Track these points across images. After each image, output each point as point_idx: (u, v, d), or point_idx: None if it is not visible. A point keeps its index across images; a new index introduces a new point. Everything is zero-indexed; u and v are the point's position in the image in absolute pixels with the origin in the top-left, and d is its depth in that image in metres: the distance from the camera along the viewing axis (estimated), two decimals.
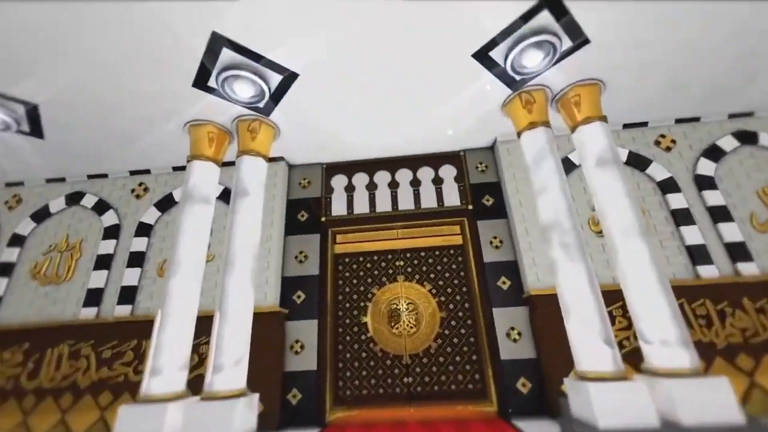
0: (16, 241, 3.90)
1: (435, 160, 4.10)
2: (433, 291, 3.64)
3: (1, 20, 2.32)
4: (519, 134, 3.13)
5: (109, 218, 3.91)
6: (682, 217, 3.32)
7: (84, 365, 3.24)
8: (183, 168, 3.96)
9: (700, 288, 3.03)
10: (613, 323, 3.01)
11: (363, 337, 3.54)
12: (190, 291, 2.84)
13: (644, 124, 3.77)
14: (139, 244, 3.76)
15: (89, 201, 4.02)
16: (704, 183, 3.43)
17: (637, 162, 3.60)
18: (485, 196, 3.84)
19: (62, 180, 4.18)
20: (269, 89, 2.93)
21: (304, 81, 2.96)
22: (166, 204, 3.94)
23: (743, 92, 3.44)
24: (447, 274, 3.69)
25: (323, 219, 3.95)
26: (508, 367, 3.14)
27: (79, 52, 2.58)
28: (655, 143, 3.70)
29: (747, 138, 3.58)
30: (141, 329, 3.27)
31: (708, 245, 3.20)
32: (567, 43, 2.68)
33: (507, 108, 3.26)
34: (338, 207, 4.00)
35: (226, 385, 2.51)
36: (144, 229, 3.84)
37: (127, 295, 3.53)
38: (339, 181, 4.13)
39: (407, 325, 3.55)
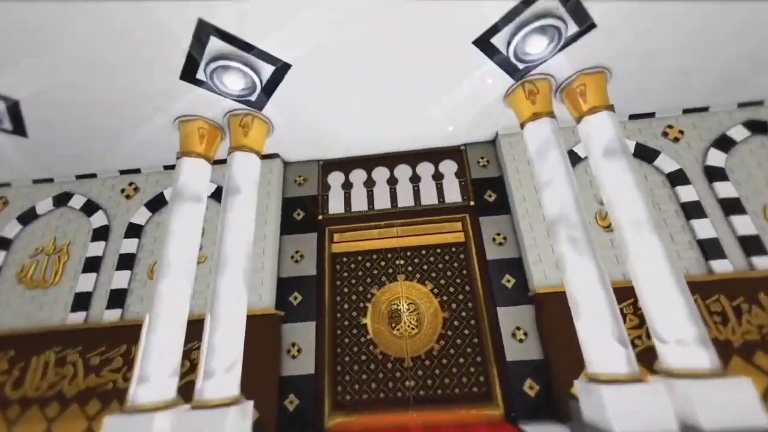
0: (2, 244, 3.76)
1: (435, 155, 3.97)
2: (435, 290, 3.51)
3: None
4: (522, 125, 3.00)
5: (98, 219, 3.78)
6: (692, 210, 3.19)
7: (71, 373, 3.10)
8: (174, 166, 3.82)
9: (713, 283, 2.90)
10: (623, 321, 2.87)
11: (362, 339, 3.41)
12: (181, 293, 2.70)
13: (651, 114, 3.64)
14: (129, 245, 3.63)
15: (77, 202, 3.88)
16: (715, 174, 3.31)
17: (645, 154, 3.47)
18: (487, 192, 3.71)
19: (50, 181, 4.04)
20: (260, 81, 2.80)
21: (297, 73, 2.83)
22: (156, 204, 3.80)
23: (753, 81, 3.32)
24: (449, 273, 3.56)
25: (320, 217, 3.81)
26: (514, 369, 3.01)
27: (59, 46, 2.45)
28: (662, 134, 3.57)
29: (757, 127, 3.46)
30: (131, 334, 3.13)
31: (721, 239, 3.07)
32: (573, 28, 2.55)
33: (509, 99, 3.13)
34: (335, 205, 3.87)
35: (217, 393, 2.38)
36: (134, 230, 3.70)
37: (117, 298, 3.40)
38: (336, 178, 4.00)
39: (408, 326, 3.41)
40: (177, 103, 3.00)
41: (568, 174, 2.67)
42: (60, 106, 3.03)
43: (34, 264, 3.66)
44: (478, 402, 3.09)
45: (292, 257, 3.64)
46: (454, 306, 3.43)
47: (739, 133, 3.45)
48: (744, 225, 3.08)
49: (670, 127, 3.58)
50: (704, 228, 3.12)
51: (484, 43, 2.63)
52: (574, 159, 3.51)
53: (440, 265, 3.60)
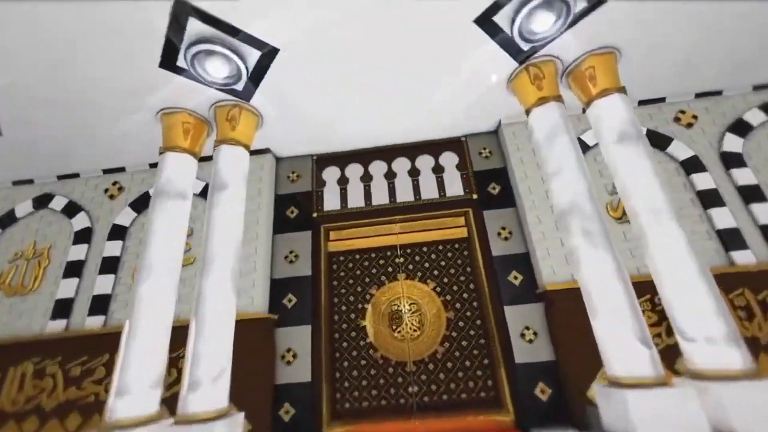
0: None
1: (434, 147, 3.78)
2: (438, 289, 3.31)
3: None
4: (528, 111, 2.81)
5: (81, 221, 3.58)
6: (710, 199, 3.01)
7: (50, 385, 2.89)
8: None
9: (736, 276, 2.71)
10: None
11: (362, 342, 3.21)
12: (164, 297, 2.50)
13: (662, 99, 3.46)
14: (113, 248, 3.42)
15: (59, 203, 3.68)
16: (732, 160, 3.12)
17: (657, 140, 3.28)
18: (491, 184, 3.52)
19: (30, 182, 3.84)
20: (246, 68, 2.60)
21: (287, 60, 2.64)
22: (141, 204, 3.60)
23: (767, 63, 3.14)
24: (452, 271, 3.36)
25: (315, 215, 3.62)
26: (523, 372, 2.81)
27: (30, 42, 2.27)
28: (674, 120, 3.38)
29: None
30: (114, 342, 2.87)
31: (741, 228, 2.88)
32: (581, 3, 2.36)
33: (513, 84, 2.94)
34: (331, 201, 3.68)
35: (203, 405, 2.17)
36: (118, 232, 3.50)
37: (100, 304, 3.19)
38: (331, 174, 3.80)
39: (410, 327, 3.22)
40: (158, 95, 2.80)
41: (579, 161, 2.48)
42: (34, 105, 2.84)
43: (13, 269, 3.46)
44: (486, 408, 2.89)
45: (286, 257, 3.44)
46: (458, 305, 3.24)
47: (755, 117, 3.27)
48: (765, 213, 2.89)
49: (683, 112, 3.40)
50: (723, 217, 2.93)
51: (486, 20, 2.44)
52: (582, 148, 3.32)
53: (443, 263, 3.40)
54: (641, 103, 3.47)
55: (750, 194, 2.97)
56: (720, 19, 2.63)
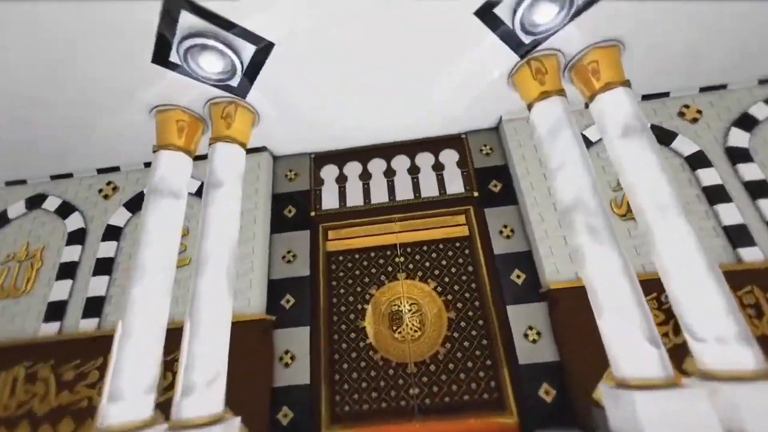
0: None
1: (434, 144, 3.72)
2: (439, 289, 3.25)
3: None
4: (529, 106, 2.74)
5: (74, 222, 3.51)
6: (716, 195, 2.94)
7: (42, 390, 2.82)
8: None
9: (744, 273, 2.65)
10: None
11: (361, 344, 3.14)
12: (158, 299, 2.43)
13: (665, 94, 3.39)
14: (107, 249, 3.36)
15: (52, 204, 3.61)
16: (738, 155, 3.06)
17: (661, 135, 3.22)
18: (492, 182, 3.45)
19: (23, 182, 3.77)
20: (241, 63, 2.54)
21: (283, 57, 2.58)
22: (137, 204, 3.54)
23: None
24: (453, 270, 3.30)
25: (313, 214, 3.55)
26: (527, 373, 2.75)
27: (21, 39, 2.21)
28: (678, 115, 3.32)
29: None
30: (108, 345, 2.76)
31: (748, 224, 2.82)
32: None
33: (514, 78, 2.88)
34: (329, 200, 3.61)
35: (198, 410, 2.11)
36: (113, 233, 3.43)
37: (94, 307, 3.13)
38: (329, 172, 3.74)
39: (411, 328, 3.15)
40: (151, 92, 2.74)
41: (584, 156, 2.42)
42: (29, 103, 2.79)
43: (5, 271, 3.39)
44: (489, 410, 2.83)
45: (284, 257, 3.37)
46: (459, 305, 3.17)
47: (761, 111, 3.20)
48: None
49: (687, 106, 3.34)
50: (730, 213, 2.87)
51: (487, 12, 2.38)
52: (585, 144, 3.24)
53: (443, 262, 3.34)
54: (644, 97, 3.41)
55: (757, 190, 2.91)
56: (725, 11, 2.58)
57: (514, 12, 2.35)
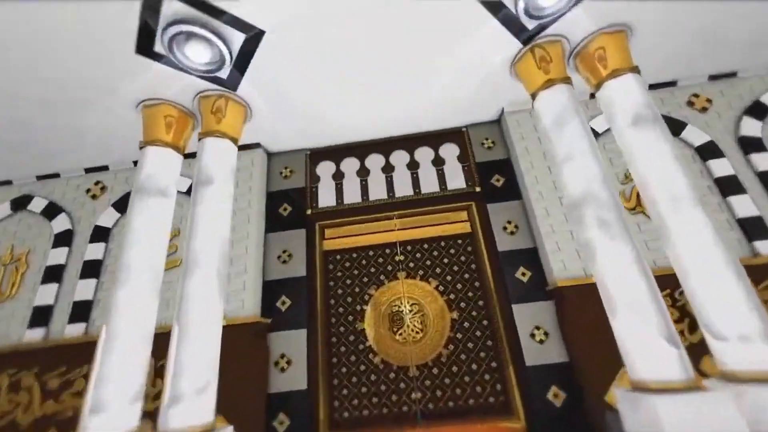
0: None
1: (434, 138, 3.59)
2: (441, 288, 3.12)
3: None
4: (534, 96, 2.62)
5: (61, 223, 3.38)
6: (729, 186, 2.82)
7: (26, 399, 2.69)
8: None
9: (762, 267, 2.53)
10: None
11: (361, 346, 3.01)
12: (145, 302, 2.30)
13: (673, 83, 3.27)
14: (95, 251, 3.23)
15: (38, 205, 3.48)
16: (750, 145, 2.93)
17: (670, 126, 3.02)
18: (494, 176, 3.33)
19: (8, 183, 3.64)
20: (230, 53, 2.41)
21: (275, 48, 2.46)
22: (126, 204, 3.38)
23: None
24: (455, 268, 3.17)
25: (309, 212, 3.42)
26: (535, 375, 2.62)
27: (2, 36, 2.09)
28: (687, 104, 3.20)
29: None
30: (95, 351, 2.73)
31: (764, 216, 2.69)
32: None
33: (517, 67, 2.75)
34: (326, 197, 3.48)
35: (187, 420, 1.98)
36: (101, 234, 3.30)
37: (81, 311, 2.99)
38: (326, 168, 3.61)
39: (412, 329, 3.02)
40: (137, 85, 2.61)
41: (593, 146, 2.30)
42: (14, 102, 2.68)
43: None
44: (495, 414, 2.70)
45: (279, 257, 3.24)
46: (462, 305, 3.04)
47: None
48: None
49: (696, 95, 3.21)
50: (744, 205, 2.75)
51: None
52: None
53: (445, 260, 3.21)
54: (652, 87, 3.28)
55: None
56: None
57: None
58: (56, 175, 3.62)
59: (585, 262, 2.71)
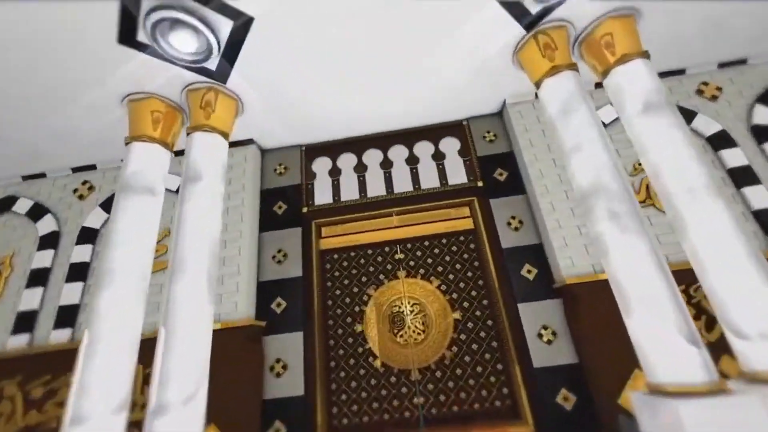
0: None
1: (434, 132, 3.46)
2: (443, 287, 2.99)
3: None
4: (538, 84, 2.49)
5: (47, 224, 3.25)
6: (743, 177, 2.70)
7: (8, 409, 2.56)
8: None
9: None
10: None
11: (360, 349, 2.88)
12: (130, 306, 2.17)
13: (681, 71, 3.15)
14: (82, 253, 3.10)
15: (23, 206, 3.35)
16: (764, 134, 2.82)
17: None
18: (497, 170, 3.20)
19: None
20: (218, 41, 2.28)
21: (267, 39, 2.35)
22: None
23: None
24: (458, 266, 3.04)
25: (305, 210, 3.29)
26: (543, 377, 2.50)
27: None
28: (696, 92, 3.08)
29: None
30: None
31: None
32: None
33: (520, 55, 2.63)
34: (322, 195, 3.35)
35: None
36: (88, 235, 3.17)
37: (67, 316, 2.87)
38: (322, 165, 3.48)
39: (413, 331, 2.89)
40: (121, 77, 2.48)
41: (602, 134, 2.17)
42: None
43: None
44: (502, 419, 2.57)
45: (274, 257, 3.11)
46: (466, 305, 2.92)
47: None
48: None
49: (705, 84, 3.10)
50: (759, 196, 2.63)
51: None
52: None
53: (447, 258, 3.08)
54: (659, 75, 3.11)
55: None
56: None
57: None
58: (42, 175, 3.49)
59: (595, 258, 2.58)
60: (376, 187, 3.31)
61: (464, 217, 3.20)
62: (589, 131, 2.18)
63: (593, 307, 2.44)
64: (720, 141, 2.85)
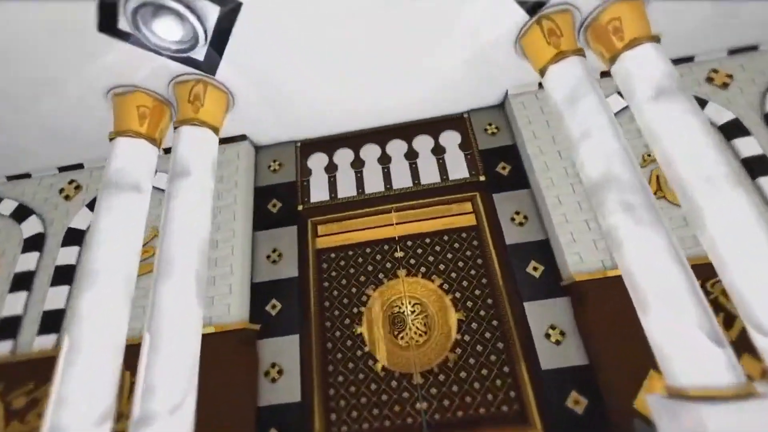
0: None
1: (433, 125, 3.34)
2: (445, 286, 2.87)
3: None
4: (542, 72, 2.38)
5: (32, 226, 3.12)
6: (758, 166, 2.59)
7: None
8: None
9: None
10: None
11: (359, 352, 2.76)
12: (114, 309, 2.05)
13: (690, 59, 3.04)
14: (68, 255, 2.97)
15: (7, 207, 3.22)
16: None
17: None
18: (500, 164, 3.08)
19: None
20: (204, 29, 2.16)
21: (258, 28, 2.23)
22: None
23: None
24: (460, 264, 2.92)
25: (300, 208, 3.17)
26: (552, 379, 2.37)
27: None
28: (706, 80, 2.97)
29: None
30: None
31: None
32: None
33: (523, 41, 2.51)
34: (318, 192, 3.23)
35: None
36: (74, 237, 3.05)
37: (51, 321, 2.74)
38: (317, 161, 3.36)
39: (415, 332, 2.77)
40: (102, 67, 2.36)
41: (612, 121, 2.06)
42: None
43: None
44: (509, 424, 2.44)
45: (269, 257, 2.99)
46: (469, 304, 2.79)
47: None
48: None
49: (715, 71, 2.98)
50: None
51: None
52: None
53: (449, 255, 2.96)
54: None
55: None
56: None
57: None
58: (27, 176, 3.37)
59: (605, 253, 2.47)
60: (374, 184, 3.18)
61: (466, 213, 3.08)
62: (598, 118, 2.06)
63: (603, 305, 2.32)
64: (733, 130, 2.73)
